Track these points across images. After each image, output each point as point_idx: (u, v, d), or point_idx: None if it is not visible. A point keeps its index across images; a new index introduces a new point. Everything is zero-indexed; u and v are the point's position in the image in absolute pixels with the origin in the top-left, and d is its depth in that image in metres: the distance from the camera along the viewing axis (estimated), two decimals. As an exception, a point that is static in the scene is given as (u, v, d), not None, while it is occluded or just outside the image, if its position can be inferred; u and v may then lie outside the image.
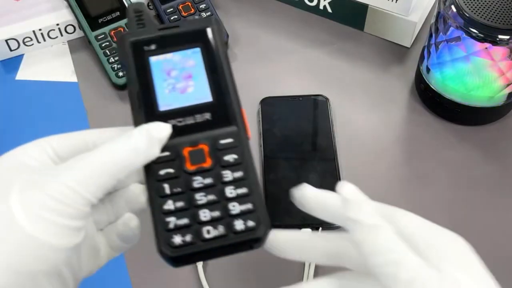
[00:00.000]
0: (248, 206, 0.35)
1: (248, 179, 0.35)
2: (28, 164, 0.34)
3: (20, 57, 0.71)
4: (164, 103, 0.37)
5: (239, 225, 0.34)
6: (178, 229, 0.34)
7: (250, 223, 0.34)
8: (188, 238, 0.34)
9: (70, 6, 0.69)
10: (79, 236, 0.33)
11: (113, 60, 0.68)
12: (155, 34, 0.39)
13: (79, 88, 0.68)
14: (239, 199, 0.35)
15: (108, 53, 0.68)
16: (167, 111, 0.36)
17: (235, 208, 0.34)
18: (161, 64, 0.38)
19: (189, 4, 0.71)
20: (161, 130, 0.35)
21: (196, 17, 0.42)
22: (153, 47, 0.38)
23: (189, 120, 0.36)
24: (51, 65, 0.70)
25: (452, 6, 0.58)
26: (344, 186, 0.37)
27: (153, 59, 0.38)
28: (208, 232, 0.34)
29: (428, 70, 0.64)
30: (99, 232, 0.38)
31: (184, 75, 0.38)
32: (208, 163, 0.35)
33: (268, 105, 0.65)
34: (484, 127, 0.65)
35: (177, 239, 0.33)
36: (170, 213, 0.34)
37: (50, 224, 0.31)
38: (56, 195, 0.32)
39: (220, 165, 0.35)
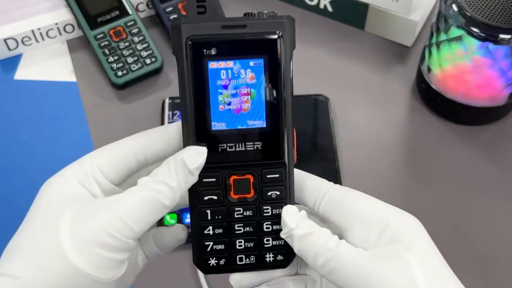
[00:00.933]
0: (281, 241, 0.36)
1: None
2: (79, 193, 0.34)
3: (18, 57, 0.71)
4: (217, 122, 0.35)
5: (269, 257, 0.37)
6: (215, 252, 0.36)
7: (279, 257, 0.37)
8: (222, 261, 0.36)
9: (69, 5, 0.69)
10: (122, 269, 0.34)
11: (112, 59, 0.67)
12: (218, 33, 0.34)
13: (78, 87, 0.68)
14: (274, 234, 0.36)
15: (107, 53, 0.68)
16: (219, 131, 0.35)
17: (269, 242, 0.36)
18: (219, 73, 0.34)
19: (189, 3, 0.71)
20: (197, 160, 0.34)
21: (266, 12, 0.38)
22: (213, 51, 0.34)
23: (240, 147, 0.35)
24: (50, 64, 0.70)
25: (453, 5, 0.58)
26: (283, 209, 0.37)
27: (212, 66, 0.34)
28: (241, 259, 0.36)
29: (429, 69, 0.63)
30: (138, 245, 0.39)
31: (242, 91, 0.34)
32: (251, 195, 0.36)
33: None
34: (485, 127, 0.65)
35: (212, 261, 0.36)
36: (209, 237, 0.36)
37: (96, 257, 0.32)
38: (106, 228, 0.32)
39: (262, 199, 0.36)
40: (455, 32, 0.58)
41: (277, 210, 0.36)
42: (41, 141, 0.64)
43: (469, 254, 0.56)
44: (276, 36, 0.35)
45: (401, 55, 0.71)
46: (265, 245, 0.36)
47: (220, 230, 0.36)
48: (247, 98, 0.35)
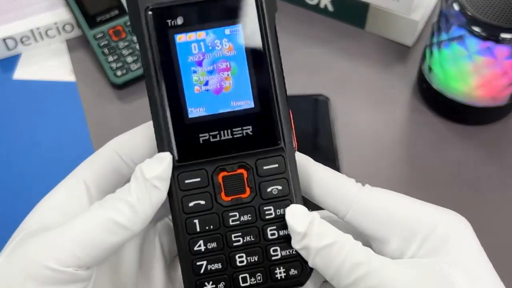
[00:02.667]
0: (292, 251, 0.29)
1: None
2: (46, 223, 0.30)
3: (17, 57, 0.70)
4: (194, 107, 0.29)
5: (280, 273, 0.29)
6: (210, 275, 0.29)
7: (292, 272, 0.29)
8: (221, 285, 0.29)
9: (68, 4, 0.69)
10: None
11: (111, 59, 0.67)
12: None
13: (77, 87, 0.68)
14: (282, 242, 0.29)
15: (107, 52, 0.67)
16: (198, 119, 0.29)
17: (277, 253, 0.29)
18: (190, 48, 0.28)
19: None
20: (156, 168, 0.28)
21: None
22: (179, 20, 0.28)
23: (226, 135, 0.29)
24: (49, 64, 0.70)
25: (455, 5, 0.57)
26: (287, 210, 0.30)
27: (179, 39, 0.28)
28: (245, 280, 0.29)
29: (430, 69, 0.63)
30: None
31: (220, 66, 0.29)
32: (246, 194, 0.29)
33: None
34: (487, 127, 0.64)
35: (209, 286, 0.29)
36: (200, 254, 0.29)
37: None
38: (40, 259, 0.28)
39: (261, 198, 0.29)
40: (456, 31, 0.58)
41: (282, 210, 0.29)
42: (41, 141, 0.64)
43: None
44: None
45: (402, 54, 0.71)
46: (273, 258, 0.29)
47: (214, 244, 0.29)
48: (227, 74, 0.29)
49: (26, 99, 0.67)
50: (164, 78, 0.28)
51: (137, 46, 0.67)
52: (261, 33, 0.30)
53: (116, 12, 0.69)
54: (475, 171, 0.61)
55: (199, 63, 0.28)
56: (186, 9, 0.28)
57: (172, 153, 0.29)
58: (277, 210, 0.29)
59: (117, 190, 0.29)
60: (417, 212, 0.31)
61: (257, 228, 0.29)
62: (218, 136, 0.29)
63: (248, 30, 0.29)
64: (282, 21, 0.74)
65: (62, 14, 0.70)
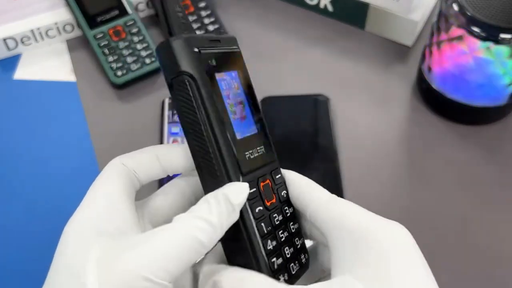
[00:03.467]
0: (302, 240, 0.36)
1: (295, 212, 0.36)
2: (103, 228, 0.32)
3: (18, 57, 0.70)
4: (236, 131, 0.34)
5: (303, 259, 0.36)
6: (280, 269, 0.34)
7: (306, 256, 0.36)
8: (286, 277, 0.34)
9: (68, 4, 0.69)
10: None
11: (111, 59, 0.67)
12: (215, 47, 0.34)
13: (78, 87, 0.68)
14: (297, 233, 0.36)
15: (107, 52, 0.67)
16: (241, 140, 0.34)
17: (298, 242, 0.36)
18: (223, 85, 0.34)
19: (189, 3, 0.71)
20: (240, 196, 0.32)
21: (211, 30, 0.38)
22: (214, 62, 0.33)
23: (255, 153, 0.35)
24: (49, 64, 0.70)
25: (454, 5, 0.57)
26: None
27: (218, 77, 0.33)
28: (293, 268, 0.35)
29: (429, 69, 0.63)
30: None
31: (237, 99, 0.35)
32: (274, 199, 0.35)
33: (269, 104, 0.65)
34: (487, 127, 0.65)
35: (281, 279, 0.34)
36: (271, 253, 0.33)
37: None
38: (139, 270, 0.29)
39: (280, 201, 0.35)
40: (455, 31, 0.58)
41: (291, 208, 0.36)
42: (41, 141, 0.64)
43: (470, 254, 0.56)
44: (239, 49, 0.36)
45: (401, 54, 0.71)
46: (297, 246, 0.35)
47: (275, 242, 0.34)
48: (242, 107, 0.35)
49: (26, 99, 0.67)
50: (218, 106, 0.32)
51: (137, 46, 0.68)
52: (247, 75, 0.36)
53: (116, 12, 0.69)
54: (475, 171, 0.61)
55: (228, 97, 0.34)
56: (218, 55, 0.34)
57: (236, 172, 0.33)
58: (289, 208, 0.36)
59: (192, 208, 0.32)
60: (366, 223, 0.33)
61: (285, 225, 0.35)
62: (252, 154, 0.34)
63: (242, 74, 0.36)
64: (282, 21, 0.74)
65: (63, 14, 0.70)
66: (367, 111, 0.66)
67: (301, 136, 0.62)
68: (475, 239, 0.57)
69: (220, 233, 0.31)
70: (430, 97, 0.65)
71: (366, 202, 0.58)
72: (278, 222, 0.34)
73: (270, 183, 0.35)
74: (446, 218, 0.58)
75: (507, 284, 0.55)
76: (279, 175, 0.36)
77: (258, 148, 0.35)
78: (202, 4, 0.71)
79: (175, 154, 0.35)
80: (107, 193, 0.33)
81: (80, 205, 0.33)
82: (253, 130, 0.35)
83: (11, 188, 0.61)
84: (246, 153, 0.34)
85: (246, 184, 0.33)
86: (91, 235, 0.31)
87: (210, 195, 0.32)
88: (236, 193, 0.32)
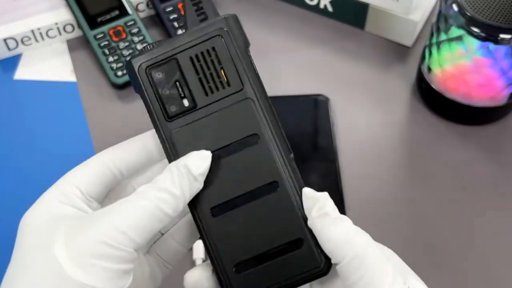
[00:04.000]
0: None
1: None
2: (66, 212, 0.33)
3: (18, 57, 0.70)
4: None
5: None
6: None
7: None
8: None
9: (69, 5, 0.69)
10: (129, 279, 0.32)
11: (112, 59, 0.67)
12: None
13: (78, 87, 0.68)
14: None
15: (107, 52, 0.67)
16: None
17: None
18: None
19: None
20: (201, 165, 0.33)
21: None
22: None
23: None
24: (50, 64, 0.70)
25: (454, 5, 0.57)
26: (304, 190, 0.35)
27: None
28: None
29: (429, 69, 0.63)
30: (146, 256, 0.38)
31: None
32: None
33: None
34: (486, 127, 0.65)
35: None
36: None
37: (100, 270, 0.30)
38: (105, 239, 0.31)
39: None
40: (455, 32, 0.58)
41: None
42: (41, 141, 0.64)
43: (470, 254, 0.56)
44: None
45: (401, 55, 0.71)
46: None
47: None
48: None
49: (26, 99, 0.68)
50: None
51: (138, 46, 0.68)
52: None
53: (117, 12, 0.69)
54: (474, 171, 0.62)
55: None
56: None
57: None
58: None
59: (155, 179, 0.33)
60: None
61: None
62: None
63: None
64: (282, 21, 0.74)
65: (63, 15, 0.70)
66: (367, 111, 0.66)
67: (300, 136, 0.62)
68: (475, 239, 0.57)
69: (184, 202, 0.32)
70: (430, 97, 0.65)
71: (366, 202, 0.59)
72: None
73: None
74: (446, 218, 0.59)
75: (507, 284, 0.55)
76: None
77: None
78: (202, 4, 0.71)
79: (154, 141, 0.36)
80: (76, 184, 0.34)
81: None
82: None
83: (11, 188, 0.61)
84: None
85: (208, 152, 0.33)
86: (53, 217, 0.32)
87: (173, 164, 0.33)
88: (198, 163, 0.33)
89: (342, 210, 0.56)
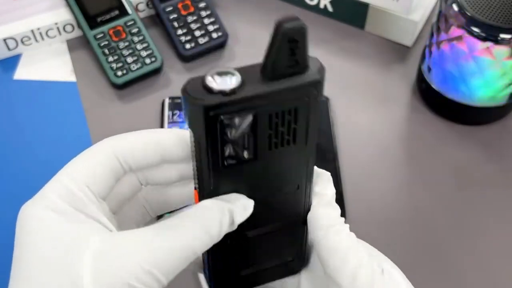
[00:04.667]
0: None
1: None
2: (88, 228, 0.30)
3: (18, 57, 0.70)
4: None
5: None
6: None
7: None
8: None
9: (68, 4, 0.69)
10: None
11: (112, 59, 0.67)
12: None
13: (78, 87, 0.68)
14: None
15: (107, 52, 0.67)
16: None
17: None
18: None
19: (189, 3, 0.71)
20: (244, 214, 0.32)
21: None
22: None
23: None
24: (50, 64, 0.70)
25: (454, 5, 0.57)
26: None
27: None
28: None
29: (429, 69, 0.63)
30: None
31: None
32: None
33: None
34: (486, 127, 0.65)
35: None
36: None
37: None
38: (131, 277, 0.28)
39: None
40: (455, 32, 0.58)
41: None
42: (41, 141, 0.64)
43: (469, 254, 0.56)
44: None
45: (401, 55, 0.71)
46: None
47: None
48: None
49: (26, 99, 0.67)
50: None
51: (137, 46, 0.68)
52: None
53: (117, 12, 0.69)
54: (475, 171, 0.61)
55: None
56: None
57: None
58: None
59: (194, 212, 0.31)
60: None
61: None
62: None
63: None
64: (282, 21, 0.74)
65: (63, 15, 0.70)
66: (367, 111, 0.66)
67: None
68: (475, 239, 0.57)
69: (215, 242, 0.31)
70: (430, 97, 0.65)
71: (366, 202, 0.59)
72: None
73: None
74: (445, 218, 0.58)
75: (507, 284, 0.55)
76: None
77: None
78: (202, 4, 0.71)
79: (172, 140, 0.33)
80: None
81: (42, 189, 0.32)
82: None
83: (10, 188, 0.61)
84: None
85: (252, 202, 0.32)
86: (71, 229, 0.30)
87: (218, 205, 0.31)
88: (242, 212, 0.32)
89: (342, 210, 0.56)
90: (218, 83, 0.28)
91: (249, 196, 0.32)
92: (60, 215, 0.30)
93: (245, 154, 0.30)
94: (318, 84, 0.28)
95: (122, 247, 0.29)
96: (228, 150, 0.29)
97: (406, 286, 0.34)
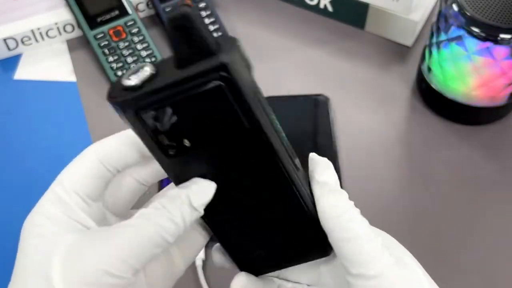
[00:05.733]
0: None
1: None
2: (67, 226, 0.32)
3: (18, 57, 0.70)
4: None
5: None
6: None
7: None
8: None
9: (68, 4, 0.69)
10: None
11: (112, 59, 0.67)
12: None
13: (78, 87, 0.68)
14: None
15: (107, 52, 0.67)
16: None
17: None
18: None
19: (189, 3, 0.71)
20: (203, 198, 0.33)
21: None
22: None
23: None
24: (50, 64, 0.70)
25: (454, 5, 0.57)
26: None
27: None
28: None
29: (429, 69, 0.63)
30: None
31: None
32: None
33: (269, 104, 0.65)
34: (486, 127, 0.65)
35: None
36: None
37: None
38: (105, 267, 0.30)
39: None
40: (455, 32, 0.58)
41: None
42: (41, 141, 0.64)
43: (469, 254, 0.56)
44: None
45: (401, 55, 0.71)
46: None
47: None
48: None
49: (26, 99, 0.67)
50: None
51: (137, 46, 0.68)
52: None
53: (117, 12, 0.69)
54: (474, 171, 0.62)
55: None
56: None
57: None
58: None
59: (156, 204, 0.32)
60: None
61: None
62: None
63: None
64: (282, 21, 0.74)
65: (63, 15, 0.70)
66: (367, 111, 0.66)
67: (301, 136, 0.62)
68: (474, 239, 0.57)
69: (184, 229, 0.32)
70: (430, 97, 0.65)
71: (366, 202, 0.59)
72: None
73: None
74: (445, 218, 0.59)
75: (507, 284, 0.55)
76: None
77: None
78: (202, 4, 0.71)
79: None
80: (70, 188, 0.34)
81: (41, 199, 0.34)
82: None
83: (11, 188, 0.61)
84: None
85: (211, 184, 0.33)
86: (53, 231, 0.32)
87: (175, 191, 0.32)
88: (199, 194, 0.32)
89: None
90: (130, 79, 0.29)
91: (225, 180, 0.33)
92: (51, 220, 0.33)
93: (186, 143, 0.30)
94: (224, 67, 0.27)
95: (90, 243, 0.31)
96: (166, 141, 0.30)
97: (423, 275, 0.34)
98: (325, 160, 0.36)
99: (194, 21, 0.27)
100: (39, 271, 0.31)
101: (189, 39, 0.27)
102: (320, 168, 0.36)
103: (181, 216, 0.32)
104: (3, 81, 0.69)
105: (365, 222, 0.34)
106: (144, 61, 0.67)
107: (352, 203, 0.34)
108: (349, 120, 0.65)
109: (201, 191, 0.33)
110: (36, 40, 0.70)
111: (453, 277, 0.55)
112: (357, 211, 0.34)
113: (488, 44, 0.56)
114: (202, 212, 0.33)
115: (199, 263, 0.54)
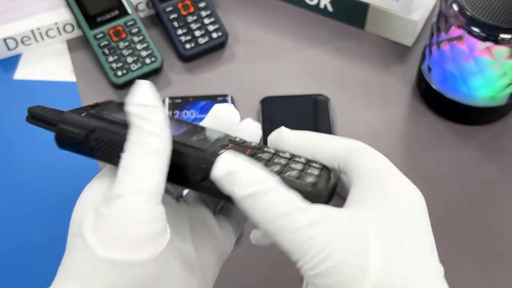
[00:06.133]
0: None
1: None
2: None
3: (18, 57, 0.70)
4: None
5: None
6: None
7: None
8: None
9: (68, 4, 0.69)
10: (161, 241, 0.32)
11: (112, 59, 0.67)
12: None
13: (78, 87, 0.68)
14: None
15: (107, 52, 0.67)
16: None
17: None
18: None
19: (189, 3, 0.71)
20: (147, 92, 0.38)
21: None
22: None
23: None
24: (50, 64, 0.70)
25: (454, 5, 0.57)
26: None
27: None
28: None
29: (429, 69, 0.63)
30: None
31: None
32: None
33: (268, 104, 0.65)
34: (486, 127, 0.65)
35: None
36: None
37: (126, 237, 0.30)
38: (125, 205, 0.31)
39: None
40: (455, 32, 0.58)
41: None
42: (41, 141, 0.64)
43: (469, 254, 0.56)
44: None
45: (401, 54, 0.71)
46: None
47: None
48: None
49: (26, 99, 0.67)
50: None
51: (137, 46, 0.68)
52: None
53: (116, 12, 0.69)
54: (474, 171, 0.62)
55: None
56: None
57: None
58: None
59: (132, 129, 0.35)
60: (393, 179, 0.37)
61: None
62: None
63: None
64: (282, 21, 0.74)
65: (63, 15, 0.70)
66: (367, 111, 0.66)
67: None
68: (475, 239, 0.57)
69: (166, 133, 0.34)
70: (430, 97, 0.65)
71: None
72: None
73: None
74: (445, 218, 0.58)
75: (505, 283, 0.55)
76: None
77: None
78: (202, 4, 0.71)
79: None
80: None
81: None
82: None
83: (11, 188, 0.61)
84: None
85: (144, 81, 0.36)
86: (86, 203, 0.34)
87: (130, 105, 0.36)
88: (143, 93, 0.37)
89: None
90: None
91: None
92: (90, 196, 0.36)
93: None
94: (58, 129, 0.41)
95: (105, 197, 0.33)
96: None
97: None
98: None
99: (39, 113, 0.41)
100: (77, 241, 0.32)
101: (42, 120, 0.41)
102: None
103: (148, 121, 0.34)
104: (3, 81, 0.69)
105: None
106: (144, 61, 0.67)
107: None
108: (349, 120, 0.65)
109: (142, 90, 0.37)
110: (36, 40, 0.70)
111: (453, 277, 0.55)
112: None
113: (489, 44, 0.56)
114: (161, 106, 0.35)
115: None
